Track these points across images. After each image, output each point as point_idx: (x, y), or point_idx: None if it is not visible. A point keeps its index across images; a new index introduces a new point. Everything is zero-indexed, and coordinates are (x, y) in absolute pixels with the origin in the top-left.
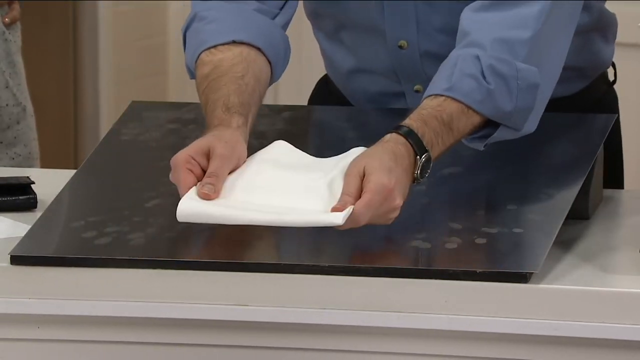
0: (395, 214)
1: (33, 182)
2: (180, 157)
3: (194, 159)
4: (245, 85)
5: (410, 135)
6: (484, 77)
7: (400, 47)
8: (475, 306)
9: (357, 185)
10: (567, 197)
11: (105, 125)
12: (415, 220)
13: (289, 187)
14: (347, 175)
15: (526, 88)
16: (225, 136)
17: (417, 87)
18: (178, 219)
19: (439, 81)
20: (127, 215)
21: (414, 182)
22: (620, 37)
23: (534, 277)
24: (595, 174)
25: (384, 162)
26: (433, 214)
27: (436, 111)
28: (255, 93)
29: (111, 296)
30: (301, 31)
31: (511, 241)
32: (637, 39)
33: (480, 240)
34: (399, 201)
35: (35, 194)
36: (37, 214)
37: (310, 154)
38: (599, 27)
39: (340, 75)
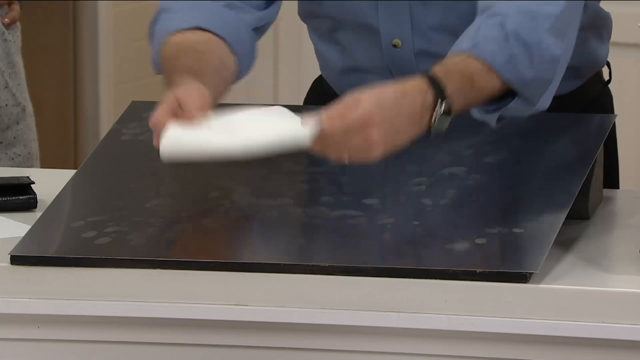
0: (372, 153)
1: (33, 182)
2: (156, 116)
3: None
4: (205, 60)
5: (434, 83)
6: (508, 42)
7: (395, 45)
8: (475, 306)
9: (340, 107)
10: (567, 197)
11: (105, 125)
12: (415, 220)
13: (266, 114)
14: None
15: (548, 59)
16: (187, 85)
17: None
18: (162, 156)
19: (462, 42)
20: (127, 215)
21: (429, 131)
22: (620, 37)
23: (534, 277)
24: (595, 174)
25: (382, 96)
26: (433, 214)
27: (459, 66)
28: (220, 73)
29: (111, 296)
30: (301, 31)
31: (511, 241)
32: (637, 39)
33: (480, 240)
34: (376, 138)
35: (35, 194)
36: (37, 214)
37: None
38: (593, 26)
39: (335, 74)
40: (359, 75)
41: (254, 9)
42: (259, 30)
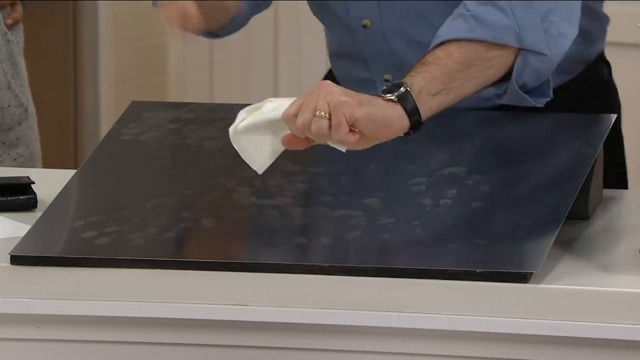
0: (335, 97)
1: (33, 182)
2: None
3: None
4: None
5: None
6: (468, 10)
7: (364, 26)
8: (475, 306)
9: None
10: (567, 197)
11: (106, 125)
12: (415, 220)
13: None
14: None
15: (519, 4)
16: None
17: (386, 76)
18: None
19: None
20: (127, 215)
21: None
22: (620, 37)
23: (534, 277)
24: (595, 174)
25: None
26: (433, 214)
27: (434, 58)
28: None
29: (111, 296)
30: (301, 30)
31: (511, 241)
32: (637, 39)
33: (480, 240)
34: (334, 89)
35: (35, 194)
36: (37, 214)
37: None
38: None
39: (331, 60)
40: (341, 62)
41: None
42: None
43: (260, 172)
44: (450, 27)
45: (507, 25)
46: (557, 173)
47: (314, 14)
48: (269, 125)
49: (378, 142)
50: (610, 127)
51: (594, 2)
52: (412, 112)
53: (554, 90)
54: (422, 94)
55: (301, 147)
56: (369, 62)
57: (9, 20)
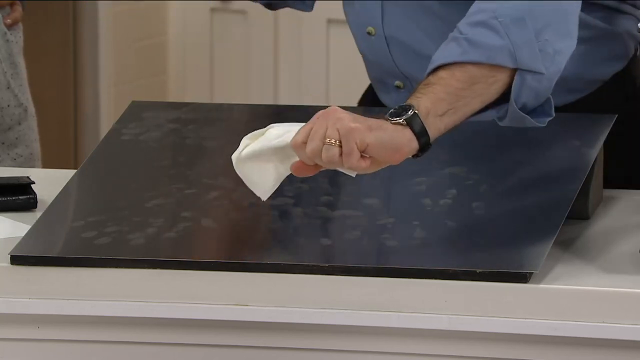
0: (345, 124)
1: (33, 182)
2: None
3: None
4: None
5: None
6: (461, 33)
7: (369, 33)
8: (475, 306)
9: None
10: (567, 197)
11: (106, 125)
12: (415, 220)
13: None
14: None
15: (511, 22)
16: None
17: (397, 82)
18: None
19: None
20: (127, 215)
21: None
22: None
23: (534, 277)
24: (595, 174)
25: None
26: (433, 214)
27: (437, 79)
28: None
29: (111, 296)
30: (301, 31)
31: (511, 241)
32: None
33: (480, 240)
34: (343, 115)
35: (35, 194)
36: (37, 214)
37: None
38: (594, 42)
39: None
40: (366, 61)
41: None
42: None
43: (264, 198)
44: (444, 52)
45: (500, 45)
46: (557, 173)
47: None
48: (275, 152)
49: (387, 165)
50: (610, 127)
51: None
52: (421, 135)
53: (571, 106)
54: (429, 115)
55: (310, 174)
56: (379, 67)
57: (9, 20)
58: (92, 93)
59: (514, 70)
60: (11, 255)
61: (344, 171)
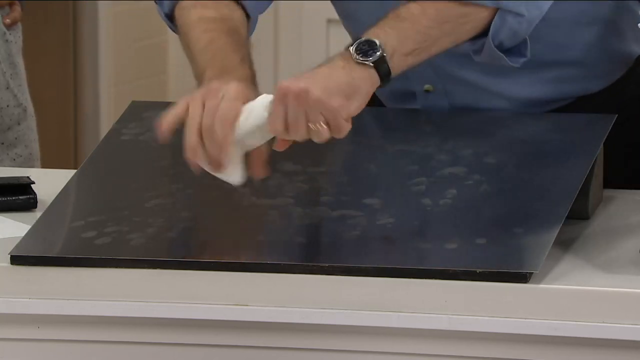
0: (326, 106)
1: (33, 182)
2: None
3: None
4: (242, 43)
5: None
6: None
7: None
8: (475, 306)
9: None
10: (567, 197)
11: (105, 125)
12: (415, 220)
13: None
14: None
15: None
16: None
17: (427, 86)
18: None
19: None
20: (127, 215)
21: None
22: None
23: (534, 277)
24: (595, 174)
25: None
26: (433, 214)
27: (408, 13)
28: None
29: (111, 296)
30: (301, 31)
31: (511, 241)
32: None
33: (480, 240)
34: (315, 94)
35: (35, 193)
36: (37, 214)
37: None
38: (613, 22)
39: None
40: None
41: None
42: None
43: (238, 183)
44: None
45: None
46: (557, 173)
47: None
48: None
49: None
50: (611, 126)
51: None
52: (385, 75)
53: (601, 93)
54: (395, 54)
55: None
56: (408, 73)
57: (8, 20)
58: (92, 93)
59: (494, 10)
60: (11, 255)
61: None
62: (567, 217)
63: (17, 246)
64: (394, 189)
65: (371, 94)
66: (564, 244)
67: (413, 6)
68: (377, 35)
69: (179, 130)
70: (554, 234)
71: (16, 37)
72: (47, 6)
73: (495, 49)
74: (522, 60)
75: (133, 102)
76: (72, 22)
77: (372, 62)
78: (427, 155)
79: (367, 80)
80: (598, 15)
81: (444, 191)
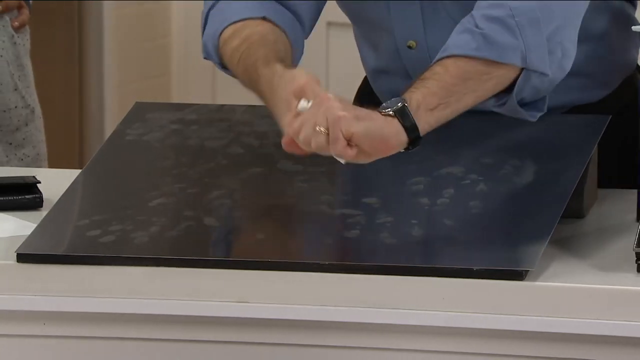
0: (333, 113)
1: (39, 182)
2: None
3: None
4: (279, 49)
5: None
6: (477, 27)
7: (410, 47)
8: (473, 303)
9: None
10: (562, 196)
11: (110, 125)
12: (414, 219)
13: None
14: None
15: (527, 23)
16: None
17: None
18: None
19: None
20: (130, 214)
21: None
22: None
23: (530, 275)
24: (590, 173)
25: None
26: (431, 213)
27: (431, 73)
28: (288, 59)
29: (115, 293)
30: None
31: (508, 240)
32: None
33: (478, 239)
34: (334, 104)
35: (41, 193)
36: (42, 213)
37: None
38: (615, 31)
39: (369, 75)
40: (385, 77)
41: (306, 4)
42: (308, 25)
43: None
44: (458, 42)
45: (514, 45)
46: (552, 173)
47: (358, 35)
48: None
49: (378, 157)
50: (605, 127)
51: (626, 6)
52: (410, 128)
53: (597, 104)
54: (420, 109)
55: (299, 152)
56: (413, 78)
57: (16, 23)
58: (97, 94)
59: (520, 68)
60: (17, 253)
61: (336, 157)
62: (562, 216)
63: (23, 244)
64: (392, 188)
65: (393, 142)
66: (559, 243)
67: (436, 67)
68: (402, 95)
69: (180, 131)
70: (549, 232)
71: (24, 40)
72: (53, 10)
73: (517, 104)
74: (539, 114)
75: (137, 103)
76: (78, 25)
77: (393, 112)
78: (425, 155)
79: (388, 125)
80: (594, 31)
81: (442, 191)
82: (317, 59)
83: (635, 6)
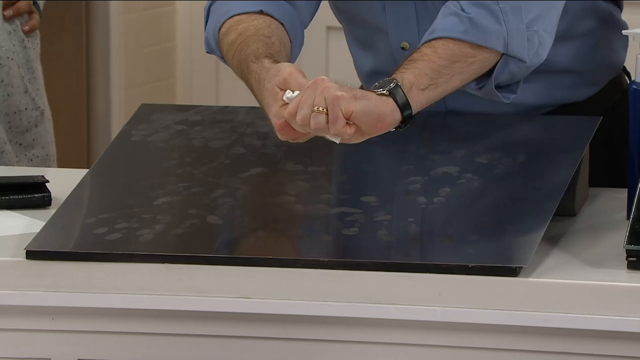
0: (331, 92)
1: (47, 181)
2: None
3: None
4: (272, 44)
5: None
6: (463, 10)
7: (403, 48)
8: (468, 299)
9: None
10: (554, 195)
11: (116, 126)
12: (411, 217)
13: None
14: None
15: (510, 10)
16: (281, 65)
17: None
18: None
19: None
20: (136, 212)
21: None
22: None
23: (524, 271)
24: (582, 173)
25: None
26: (427, 211)
27: (420, 55)
28: (282, 53)
29: (121, 289)
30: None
31: (502, 237)
32: None
33: (473, 236)
34: (330, 84)
35: (49, 192)
36: (51, 211)
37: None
38: (603, 31)
39: (363, 78)
40: (380, 78)
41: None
42: (307, 16)
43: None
44: (445, 24)
45: (498, 31)
46: (545, 172)
47: (351, 38)
48: None
49: (372, 135)
50: (596, 128)
51: (612, 9)
52: (404, 106)
53: (584, 103)
54: (412, 88)
55: (295, 136)
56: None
57: (27, 27)
58: (104, 96)
59: (500, 54)
60: (27, 251)
61: (330, 138)
62: (555, 214)
63: (32, 242)
64: (390, 187)
65: (389, 120)
66: (552, 240)
67: (425, 49)
68: (394, 75)
69: (185, 132)
70: (542, 230)
71: (34, 44)
72: (62, 15)
73: (494, 87)
74: (512, 96)
75: (142, 104)
76: (85, 29)
77: (388, 91)
78: (422, 155)
79: (383, 103)
80: (581, 30)
81: (438, 189)
82: (317, 62)
83: (621, 8)
